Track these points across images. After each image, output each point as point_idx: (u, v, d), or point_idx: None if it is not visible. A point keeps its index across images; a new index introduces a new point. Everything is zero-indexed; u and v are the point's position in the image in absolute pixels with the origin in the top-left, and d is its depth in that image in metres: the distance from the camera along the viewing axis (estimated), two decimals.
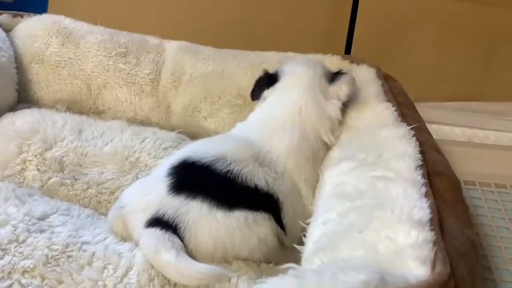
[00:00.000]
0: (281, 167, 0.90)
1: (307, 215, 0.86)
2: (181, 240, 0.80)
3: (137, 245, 0.82)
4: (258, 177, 0.86)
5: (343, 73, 1.00)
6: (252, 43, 1.55)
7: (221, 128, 1.20)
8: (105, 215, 0.96)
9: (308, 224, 0.82)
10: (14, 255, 0.77)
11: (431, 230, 0.63)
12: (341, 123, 0.98)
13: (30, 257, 0.77)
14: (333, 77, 1.00)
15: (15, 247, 0.78)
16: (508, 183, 1.35)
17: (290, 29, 1.90)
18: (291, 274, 0.53)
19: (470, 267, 0.66)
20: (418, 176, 0.76)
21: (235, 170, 0.85)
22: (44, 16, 1.28)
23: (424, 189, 0.72)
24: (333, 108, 0.97)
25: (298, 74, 1.00)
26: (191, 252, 0.80)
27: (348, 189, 0.78)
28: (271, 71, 1.04)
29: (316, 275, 0.53)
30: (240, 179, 0.84)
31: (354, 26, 1.77)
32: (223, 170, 0.84)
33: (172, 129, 1.20)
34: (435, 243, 0.61)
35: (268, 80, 1.02)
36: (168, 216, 0.81)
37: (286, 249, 0.87)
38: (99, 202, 0.99)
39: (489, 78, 1.96)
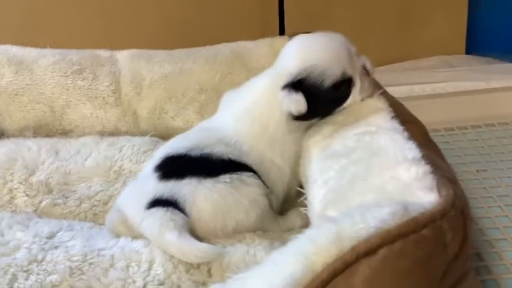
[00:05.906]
0: (246, 147, 0.95)
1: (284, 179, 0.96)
2: (184, 213, 0.85)
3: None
4: (228, 154, 0.93)
5: None
6: (187, 40, 1.59)
7: (189, 125, 1.22)
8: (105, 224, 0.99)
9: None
10: (38, 274, 0.78)
11: (427, 164, 0.71)
12: None
13: (55, 272, 0.79)
14: None
15: (37, 266, 0.79)
16: (455, 125, 1.48)
17: (221, 19, 1.95)
18: (326, 221, 0.59)
19: (460, 189, 0.74)
20: (396, 125, 0.84)
21: (209, 152, 0.92)
22: None
23: (406, 134, 0.80)
24: None
25: None
26: (195, 223, 0.86)
27: (338, 149, 0.85)
28: None
29: (347, 217, 0.60)
30: (214, 157, 0.92)
31: (283, 5, 1.86)
32: (199, 154, 0.92)
33: (142, 135, 1.22)
34: (434, 173, 0.68)
35: None
36: (165, 195, 0.87)
37: (277, 216, 0.95)
38: (95, 214, 1.01)
39: (408, 39, 2.09)
